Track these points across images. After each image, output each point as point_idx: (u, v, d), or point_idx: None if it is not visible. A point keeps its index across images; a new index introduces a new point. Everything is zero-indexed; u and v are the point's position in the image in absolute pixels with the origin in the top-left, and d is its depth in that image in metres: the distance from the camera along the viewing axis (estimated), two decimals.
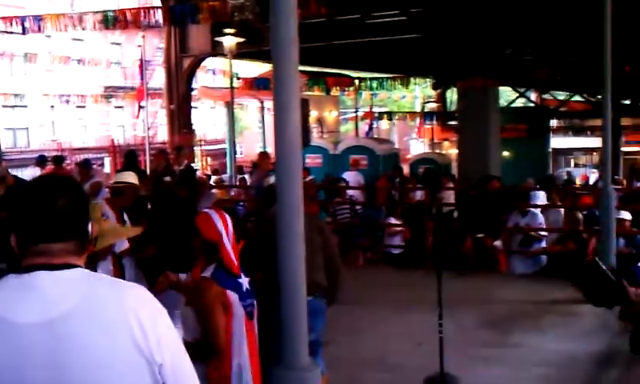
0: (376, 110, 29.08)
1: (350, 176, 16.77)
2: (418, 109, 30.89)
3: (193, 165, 13.51)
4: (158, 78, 20.49)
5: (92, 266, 3.77)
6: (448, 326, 6.38)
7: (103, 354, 1.71)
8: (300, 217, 3.36)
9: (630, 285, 9.03)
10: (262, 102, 25.45)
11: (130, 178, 6.65)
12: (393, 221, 12.36)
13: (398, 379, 6.36)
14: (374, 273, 10.88)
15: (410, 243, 12.31)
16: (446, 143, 33.15)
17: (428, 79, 23.03)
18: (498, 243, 11.18)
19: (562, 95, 33.66)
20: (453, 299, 7.08)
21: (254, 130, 26.22)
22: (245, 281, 3.66)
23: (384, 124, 30.54)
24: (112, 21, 15.42)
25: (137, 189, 6.67)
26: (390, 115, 28.79)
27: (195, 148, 21.21)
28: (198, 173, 16.56)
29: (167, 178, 11.20)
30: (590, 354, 6.75)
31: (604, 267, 3.15)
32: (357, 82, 23.10)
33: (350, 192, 14.35)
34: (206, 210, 3.83)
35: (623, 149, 31.79)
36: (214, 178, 20.45)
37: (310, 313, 4.70)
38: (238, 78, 20.12)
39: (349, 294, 9.05)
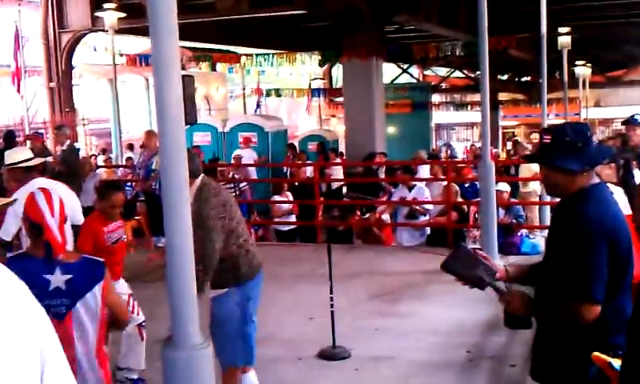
0: (264, 87, 28.98)
1: (246, 153, 16.69)
2: (305, 86, 31.01)
3: (75, 145, 13.01)
4: (36, 55, 19.58)
5: None
6: (339, 299, 6.49)
7: None
8: (185, 196, 3.30)
9: (509, 254, 9.50)
10: (147, 79, 24.80)
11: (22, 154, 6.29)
12: (277, 198, 12.37)
13: (291, 354, 6.40)
14: (263, 249, 10.85)
15: (299, 219, 12.41)
16: (333, 119, 33.49)
17: (314, 55, 23.09)
18: (385, 217, 11.43)
19: (442, 71, 34.66)
20: (343, 273, 7.21)
21: (140, 108, 25.56)
22: (60, 279, 3.23)
23: (272, 101, 30.52)
24: None
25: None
26: (277, 92, 28.81)
27: (78, 127, 20.46)
28: (82, 153, 15.99)
29: (48, 159, 10.77)
30: (477, 320, 7.02)
31: (470, 251, 3.27)
32: (244, 58, 22.92)
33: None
34: (33, 190, 3.50)
35: (501, 122, 33.14)
36: (101, 157, 19.85)
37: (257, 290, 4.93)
38: (121, 55, 19.51)
39: None
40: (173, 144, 3.25)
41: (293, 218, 12.42)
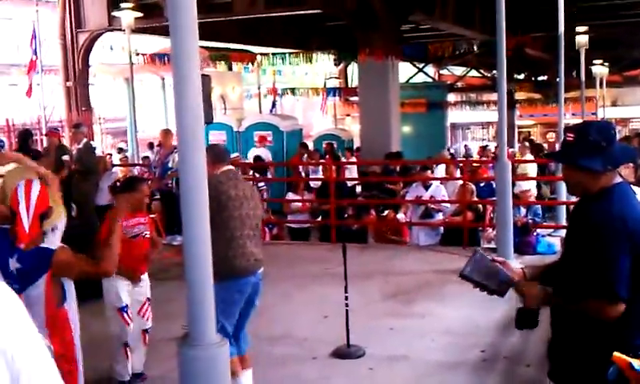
0: (279, 86, 29.01)
1: (262, 152, 16.78)
2: (320, 85, 31.01)
3: (92, 143, 13.09)
4: (53, 55, 19.70)
5: None
6: (353, 299, 6.50)
7: None
8: (204, 194, 3.33)
9: (524, 254, 9.47)
10: (162, 79, 24.89)
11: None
12: (291, 196, 12.40)
13: (305, 352, 6.42)
14: (278, 248, 10.91)
15: (315, 218, 12.44)
16: (348, 119, 33.48)
17: (330, 54, 23.11)
18: (400, 216, 11.43)
19: (458, 70, 34.54)
20: (357, 272, 7.21)
21: (156, 107, 25.67)
22: (15, 265, 3.52)
23: (287, 101, 30.55)
24: None
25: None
26: (293, 91, 28.82)
27: (95, 126, 20.59)
28: (99, 151, 16.10)
29: (65, 157, 10.86)
30: (491, 321, 7.01)
31: (487, 258, 3.26)
32: (260, 57, 22.96)
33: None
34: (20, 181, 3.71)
35: (517, 122, 33.00)
36: (119, 156, 19.97)
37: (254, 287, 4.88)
38: (137, 54, 19.60)
39: None
40: (192, 143, 3.28)
41: (306, 217, 12.44)
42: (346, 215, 12.07)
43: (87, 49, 18.98)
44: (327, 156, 17.04)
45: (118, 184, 5.87)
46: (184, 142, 3.30)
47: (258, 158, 15.53)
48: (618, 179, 3.01)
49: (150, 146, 19.95)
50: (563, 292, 3.07)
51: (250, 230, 4.99)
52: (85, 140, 11.47)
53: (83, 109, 18.66)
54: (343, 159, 17.94)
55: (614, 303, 2.85)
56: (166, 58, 19.62)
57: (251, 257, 4.99)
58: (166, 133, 11.73)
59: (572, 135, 3.02)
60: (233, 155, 15.47)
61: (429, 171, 11.72)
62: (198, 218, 3.31)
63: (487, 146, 25.50)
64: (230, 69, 24.19)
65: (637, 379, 2.66)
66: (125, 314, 5.59)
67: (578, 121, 25.40)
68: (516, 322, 3.33)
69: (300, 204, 12.32)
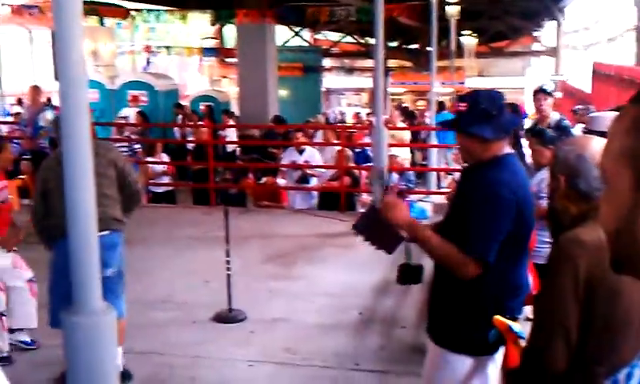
0: (153, 44, 28.18)
1: (133, 112, 16.19)
2: (196, 45, 30.38)
3: None
4: None
5: None
6: (234, 262, 6.49)
7: None
8: (88, 152, 3.21)
9: None
10: (30, 31, 23.53)
11: None
12: (150, 159, 12.07)
13: (186, 317, 6.37)
14: (154, 211, 10.69)
15: (194, 181, 12.25)
16: (225, 80, 33.05)
17: (206, 13, 22.66)
18: (281, 181, 11.46)
19: (334, 36, 34.81)
20: (237, 236, 7.19)
21: (22, 62, 24.28)
22: None
23: (162, 60, 29.75)
24: None
25: None
26: (168, 50, 28.10)
27: None
28: None
29: None
30: (369, 283, 7.21)
31: (380, 213, 3.32)
32: (133, 13, 22.19)
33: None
34: None
35: (390, 89, 33.74)
36: None
37: (108, 247, 4.58)
38: (2, 4, 18.44)
39: (131, 232, 8.90)
40: (75, 101, 3.15)
41: (166, 180, 12.15)
42: (217, 178, 11.87)
43: None
44: (205, 118, 16.77)
45: None
46: (66, 101, 3.16)
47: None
48: (508, 149, 3.15)
49: (20, 101, 18.87)
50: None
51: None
52: None
53: None
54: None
55: (478, 264, 2.97)
56: (34, 10, 18.56)
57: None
58: (35, 89, 11.16)
59: (464, 104, 3.11)
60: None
61: (300, 134, 11.74)
62: (81, 179, 3.19)
63: (359, 112, 26.02)
64: (102, 24, 23.24)
65: (514, 340, 2.83)
66: None
67: (448, 90, 26.31)
68: (398, 277, 3.44)
69: (162, 167, 11.99)
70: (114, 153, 5.06)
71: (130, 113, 15.92)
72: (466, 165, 3.35)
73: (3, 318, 5.39)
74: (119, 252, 4.87)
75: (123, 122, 14.63)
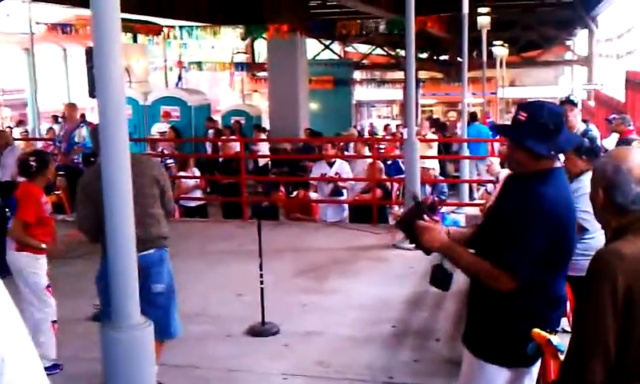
0: (185, 60, 28.48)
1: (165, 127, 16.37)
2: (227, 60, 30.65)
3: None
4: None
5: None
6: (266, 276, 6.51)
7: None
8: (127, 171, 3.26)
9: None
10: (64, 49, 23.95)
11: None
12: (182, 174, 12.16)
13: (220, 330, 6.40)
14: (189, 225, 10.79)
15: (224, 195, 12.31)
16: (256, 94, 33.27)
17: (237, 29, 22.84)
18: (313, 194, 11.48)
19: (364, 48, 34.89)
20: (269, 249, 7.22)
21: (57, 79, 24.69)
22: None
23: (193, 75, 30.05)
24: None
25: None
26: (199, 65, 28.38)
27: None
28: None
29: None
30: (402, 296, 7.18)
31: (420, 213, 3.32)
32: (165, 30, 22.45)
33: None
34: None
35: (421, 101, 33.71)
36: (19, 130, 19.11)
37: (156, 264, 4.64)
38: (37, 23, 18.79)
39: None
40: (114, 115, 3.21)
41: (199, 194, 12.22)
42: (246, 192, 11.90)
43: None
44: (236, 133, 16.89)
45: (34, 163, 5.58)
46: (106, 117, 3.21)
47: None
48: (558, 163, 3.09)
49: (55, 118, 19.21)
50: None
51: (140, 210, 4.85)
52: None
53: None
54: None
55: (512, 279, 2.93)
56: (68, 28, 18.90)
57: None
58: (71, 106, 11.38)
59: (524, 114, 3.01)
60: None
61: (330, 146, 11.73)
62: (120, 195, 3.24)
63: (389, 124, 25.97)
64: (135, 41, 23.56)
65: (553, 353, 2.80)
66: (50, 290, 5.48)
67: (479, 100, 26.13)
68: (430, 277, 3.43)
69: (193, 181, 12.07)
70: (156, 170, 5.06)
71: (164, 128, 16.09)
72: (510, 173, 3.29)
73: (55, 325, 5.49)
74: (167, 268, 4.91)
75: (158, 137, 14.78)
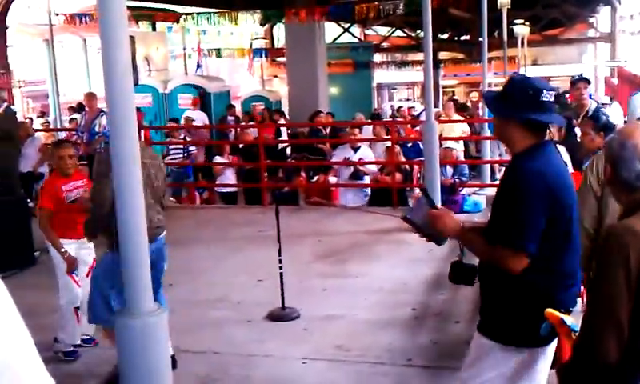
0: (204, 46, 28.49)
1: (196, 115, 16.43)
2: (246, 46, 30.61)
3: (12, 107, 12.61)
4: None
5: None
6: (287, 261, 6.53)
7: None
8: (137, 160, 3.27)
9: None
10: (84, 40, 24.09)
11: None
12: (219, 160, 12.26)
13: (241, 316, 6.43)
14: (209, 211, 10.85)
15: (244, 181, 12.35)
16: (275, 80, 33.23)
17: (256, 14, 22.79)
18: (332, 179, 11.47)
19: (383, 30, 34.64)
20: (290, 234, 7.24)
21: (77, 70, 24.87)
22: None
23: (212, 62, 30.07)
24: None
25: None
26: (218, 52, 28.37)
27: (14, 89, 19.85)
28: (19, 116, 15.54)
29: None
30: (421, 279, 7.17)
31: (429, 205, 3.30)
32: (183, 17, 22.47)
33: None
34: None
35: (442, 82, 33.44)
36: (40, 121, 19.29)
37: (163, 246, 4.81)
38: (57, 14, 18.89)
39: (186, 233, 9.06)
40: (122, 105, 3.21)
41: (233, 181, 12.32)
42: (265, 178, 11.94)
43: (4, 8, 18.21)
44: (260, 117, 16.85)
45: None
46: (114, 107, 3.22)
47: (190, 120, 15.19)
48: (546, 137, 3.10)
49: (79, 107, 19.33)
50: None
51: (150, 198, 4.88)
52: (5, 104, 11.04)
53: (1, 72, 17.96)
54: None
55: (518, 254, 2.92)
56: (87, 18, 18.98)
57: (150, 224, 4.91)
58: (91, 96, 11.44)
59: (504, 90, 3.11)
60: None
61: (357, 130, 11.73)
62: (130, 185, 3.25)
63: (401, 106, 25.67)
64: (154, 29, 23.62)
65: (567, 333, 2.77)
66: (76, 277, 5.54)
67: (501, 80, 25.93)
68: (450, 275, 3.40)
69: (228, 169, 12.19)
70: (159, 160, 5.38)
71: (195, 115, 16.11)
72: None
73: (78, 312, 5.56)
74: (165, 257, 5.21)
75: (189, 123, 14.82)
